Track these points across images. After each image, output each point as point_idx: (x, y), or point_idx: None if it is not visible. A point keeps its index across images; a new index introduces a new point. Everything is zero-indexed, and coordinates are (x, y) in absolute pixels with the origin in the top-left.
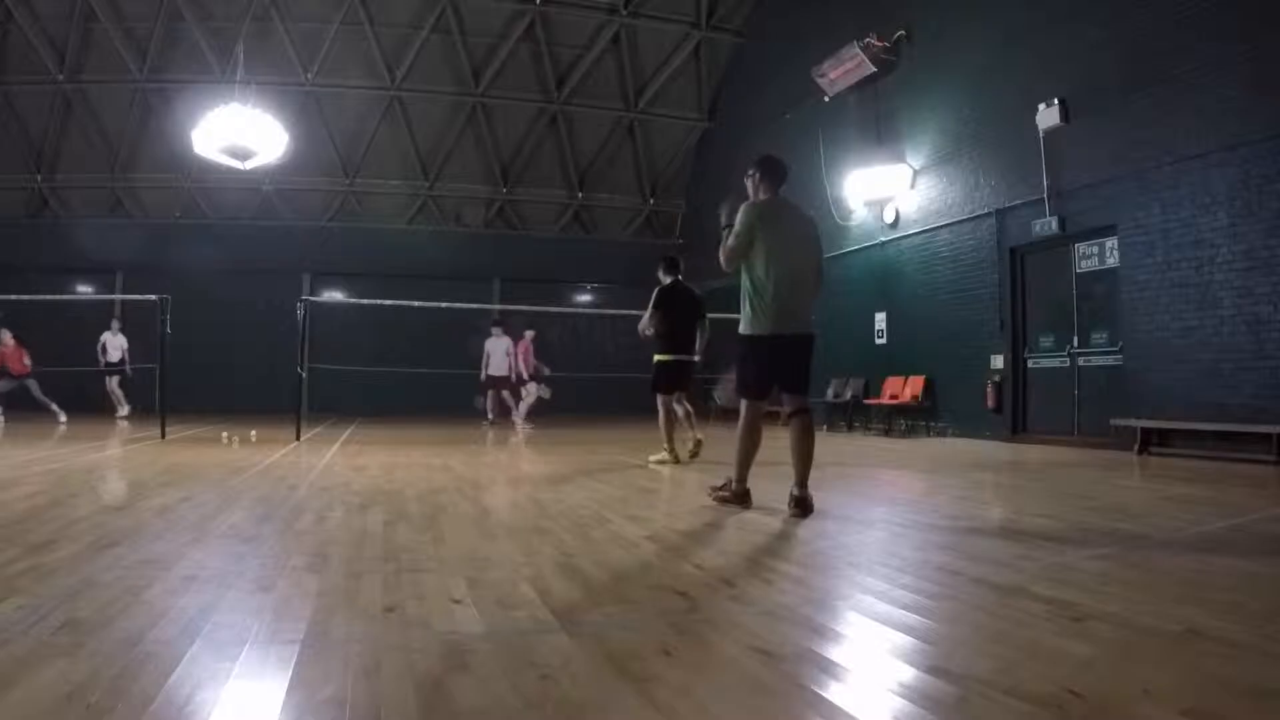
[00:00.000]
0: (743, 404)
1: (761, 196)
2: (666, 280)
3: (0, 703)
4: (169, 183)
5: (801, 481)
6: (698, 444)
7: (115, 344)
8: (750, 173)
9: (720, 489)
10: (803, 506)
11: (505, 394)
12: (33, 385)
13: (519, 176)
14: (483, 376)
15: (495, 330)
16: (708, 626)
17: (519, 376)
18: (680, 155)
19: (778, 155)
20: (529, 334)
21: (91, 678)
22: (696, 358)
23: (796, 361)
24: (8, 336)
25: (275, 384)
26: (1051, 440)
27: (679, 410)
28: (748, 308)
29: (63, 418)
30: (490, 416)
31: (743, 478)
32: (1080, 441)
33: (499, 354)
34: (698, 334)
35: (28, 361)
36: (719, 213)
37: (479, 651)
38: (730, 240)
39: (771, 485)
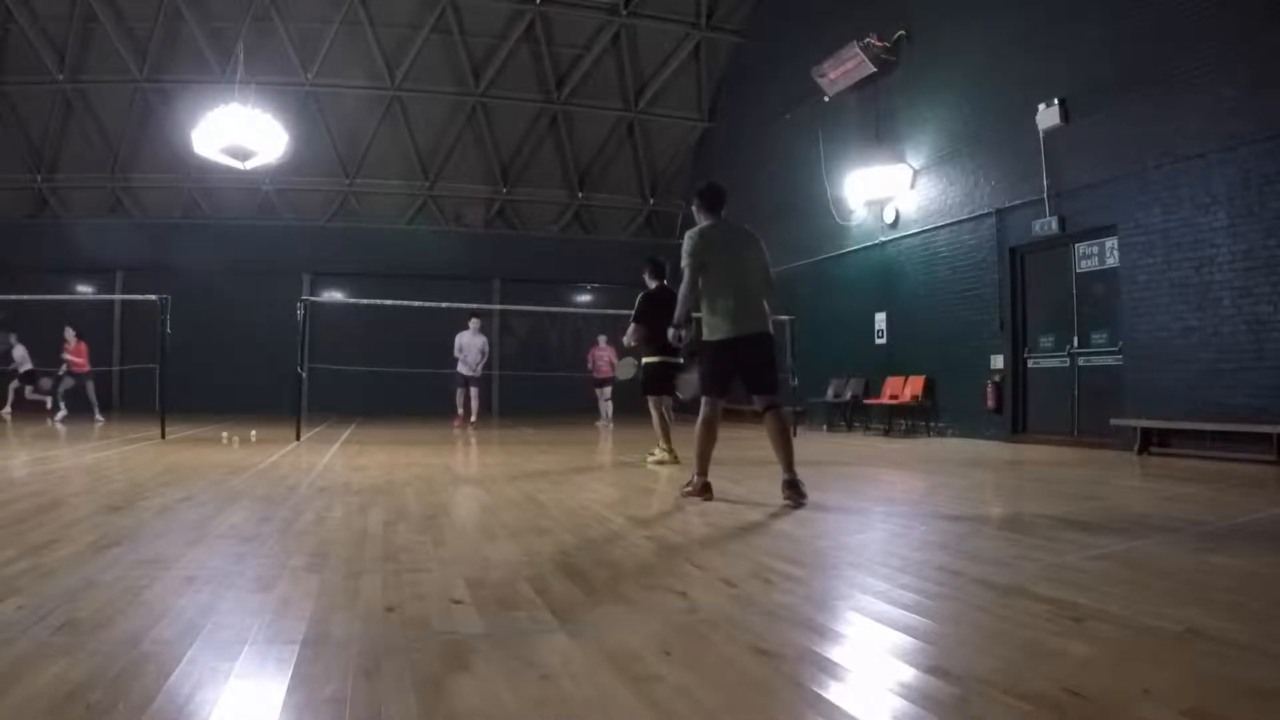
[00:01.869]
0: (703, 402)
1: (704, 222)
2: (652, 285)
3: (0, 703)
4: (169, 183)
5: (788, 467)
6: (673, 457)
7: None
8: (694, 204)
9: (686, 485)
10: (795, 489)
11: (474, 391)
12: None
13: (519, 176)
14: (465, 370)
15: (473, 323)
16: (708, 626)
17: (599, 381)
18: (680, 155)
19: (716, 183)
20: (602, 339)
21: (91, 678)
22: (682, 359)
23: (759, 360)
24: (70, 334)
25: (275, 384)
26: (1051, 440)
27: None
28: (708, 317)
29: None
30: (460, 414)
31: (703, 470)
32: (1080, 441)
33: (473, 351)
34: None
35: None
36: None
37: (479, 651)
38: (684, 271)
39: (770, 485)
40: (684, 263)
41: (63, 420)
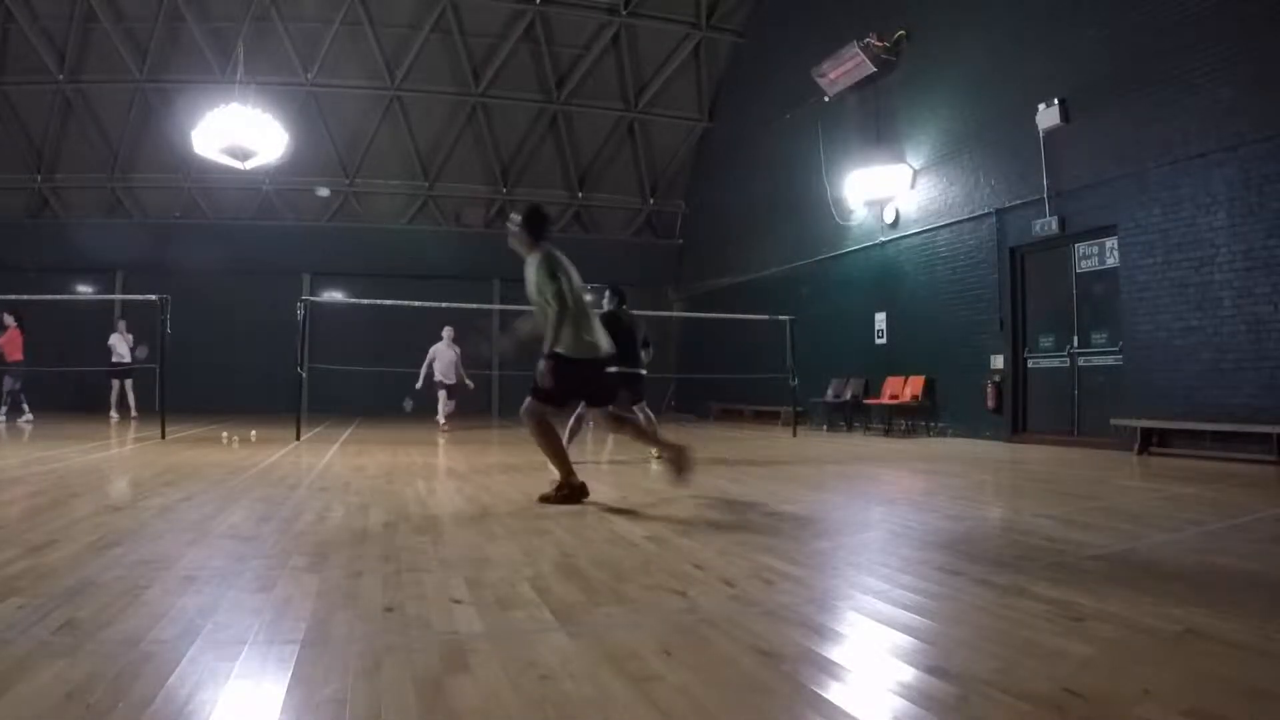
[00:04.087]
0: (534, 405)
1: (542, 244)
2: (609, 307)
3: (0, 703)
4: (169, 183)
5: (657, 446)
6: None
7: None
8: (519, 224)
9: (556, 491)
10: (675, 461)
11: (443, 394)
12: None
13: (519, 176)
14: (441, 379)
15: (446, 333)
16: (708, 626)
17: None
18: (680, 155)
19: (543, 207)
20: None
21: (91, 678)
22: (642, 370)
23: (606, 384)
24: (10, 320)
25: (275, 384)
26: (1051, 440)
27: (616, 421)
28: (579, 334)
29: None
30: (442, 420)
31: (569, 472)
32: (1080, 441)
33: (445, 361)
34: (641, 351)
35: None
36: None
37: (479, 651)
38: (553, 288)
39: (772, 485)
40: (557, 282)
41: (26, 421)
